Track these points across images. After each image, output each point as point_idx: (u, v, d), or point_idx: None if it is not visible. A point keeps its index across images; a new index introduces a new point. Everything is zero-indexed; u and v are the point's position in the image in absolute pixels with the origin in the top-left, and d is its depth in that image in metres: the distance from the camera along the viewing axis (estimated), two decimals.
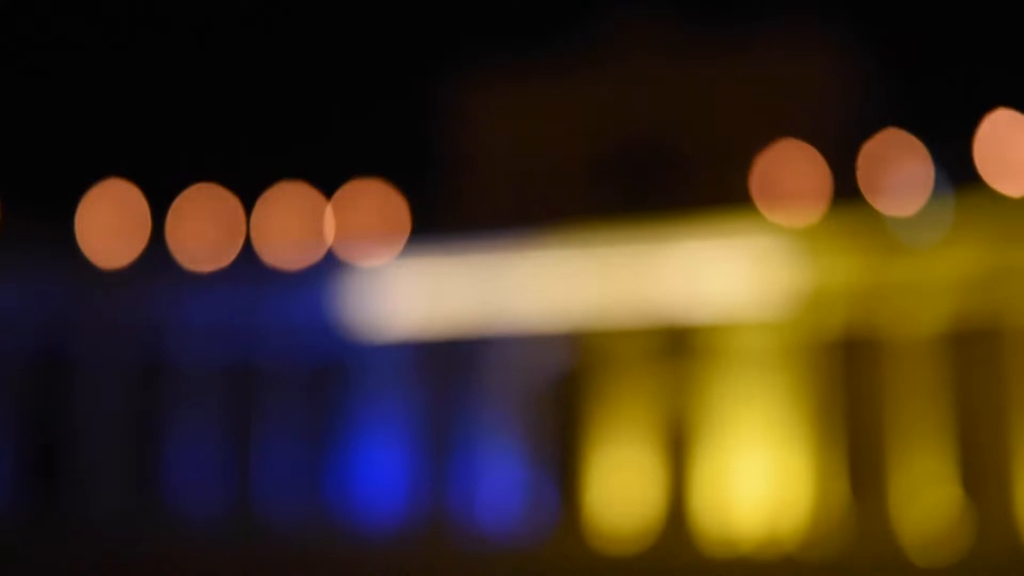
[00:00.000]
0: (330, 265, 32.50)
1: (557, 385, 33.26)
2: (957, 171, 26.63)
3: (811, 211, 28.06)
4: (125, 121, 46.14)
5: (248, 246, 33.74)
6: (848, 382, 29.86)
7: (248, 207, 33.89)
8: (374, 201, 32.71)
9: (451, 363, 31.61)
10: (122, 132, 44.84)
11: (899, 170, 27.19)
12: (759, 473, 27.96)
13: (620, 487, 29.49)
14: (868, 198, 27.60)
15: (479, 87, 35.60)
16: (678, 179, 33.50)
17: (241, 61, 48.54)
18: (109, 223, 33.61)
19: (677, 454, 31.12)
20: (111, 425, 34.73)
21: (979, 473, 28.73)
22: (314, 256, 32.86)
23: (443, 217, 32.11)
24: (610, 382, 29.76)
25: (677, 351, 29.03)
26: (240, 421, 35.87)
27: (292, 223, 33.59)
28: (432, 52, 43.82)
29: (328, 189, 33.93)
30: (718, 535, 28.64)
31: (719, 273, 28.28)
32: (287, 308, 33.42)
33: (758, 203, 28.63)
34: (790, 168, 29.34)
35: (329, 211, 33.35)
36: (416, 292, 31.72)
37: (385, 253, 32.21)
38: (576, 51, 35.15)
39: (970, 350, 28.47)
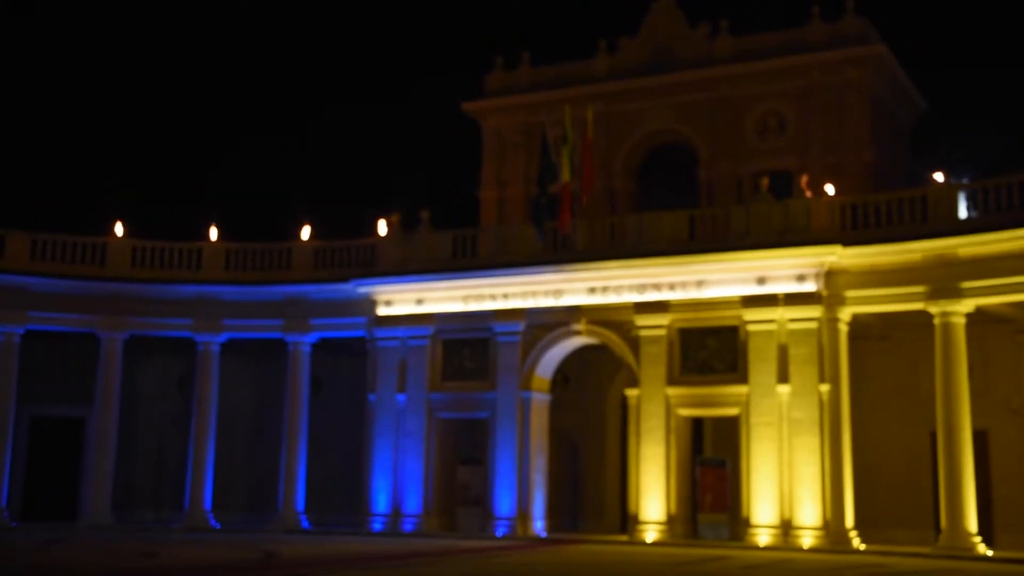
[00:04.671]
0: (353, 287, 32.62)
1: (579, 371, 33.18)
2: (986, 202, 26.59)
3: (840, 226, 28.05)
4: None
5: (277, 259, 34.11)
6: (872, 376, 29.82)
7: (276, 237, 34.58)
8: (401, 222, 32.98)
9: (467, 359, 31.49)
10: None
11: (928, 195, 27.16)
12: (785, 461, 27.39)
13: (647, 473, 28.85)
14: (896, 225, 27.53)
15: (501, 104, 36.54)
16: (705, 186, 33.77)
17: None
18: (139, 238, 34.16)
19: (705, 442, 30.85)
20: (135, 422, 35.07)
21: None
22: (338, 278, 33.05)
23: (468, 238, 32.17)
24: (638, 369, 29.40)
25: (701, 341, 28.82)
26: (257, 423, 36.04)
27: (319, 246, 33.96)
28: (454, 73, 45.43)
29: (351, 211, 34.54)
30: (742, 521, 28.05)
31: (738, 269, 28.17)
32: (311, 319, 33.55)
33: (783, 209, 28.59)
34: (820, 186, 29.52)
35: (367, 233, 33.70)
36: (436, 299, 31.72)
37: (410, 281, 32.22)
38: (598, 65, 35.80)
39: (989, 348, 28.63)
